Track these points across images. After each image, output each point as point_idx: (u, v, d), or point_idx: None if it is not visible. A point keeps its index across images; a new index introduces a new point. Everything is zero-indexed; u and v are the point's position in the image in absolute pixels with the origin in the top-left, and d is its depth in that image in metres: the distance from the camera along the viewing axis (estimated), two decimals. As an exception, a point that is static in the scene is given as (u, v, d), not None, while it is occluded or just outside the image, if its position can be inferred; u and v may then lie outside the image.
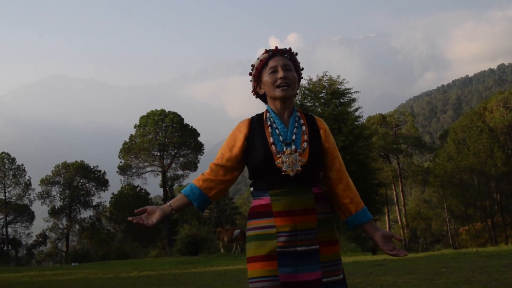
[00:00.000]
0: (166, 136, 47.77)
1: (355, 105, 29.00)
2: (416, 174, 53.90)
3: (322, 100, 28.33)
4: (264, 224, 2.60)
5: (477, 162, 47.14)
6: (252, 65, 2.86)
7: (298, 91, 2.86)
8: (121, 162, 48.84)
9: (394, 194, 55.24)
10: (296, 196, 2.60)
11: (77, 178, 51.84)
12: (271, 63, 2.75)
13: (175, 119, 48.05)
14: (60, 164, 51.95)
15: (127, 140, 48.67)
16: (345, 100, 28.60)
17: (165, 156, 48.71)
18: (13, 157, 49.78)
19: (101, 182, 52.28)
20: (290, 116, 2.76)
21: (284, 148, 2.63)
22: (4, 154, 49.34)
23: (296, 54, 2.83)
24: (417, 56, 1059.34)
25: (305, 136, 2.70)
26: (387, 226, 52.37)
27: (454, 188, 48.40)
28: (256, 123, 2.75)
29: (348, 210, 2.75)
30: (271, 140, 2.65)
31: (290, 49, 2.79)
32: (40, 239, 51.15)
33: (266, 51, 2.78)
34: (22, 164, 50.16)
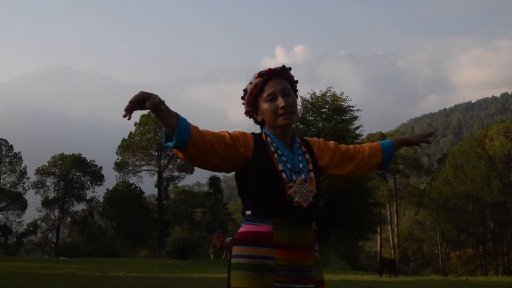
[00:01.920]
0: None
1: (357, 123, 28.95)
2: (411, 195, 53.85)
3: (324, 115, 28.25)
4: (262, 254, 2.37)
5: (473, 189, 47.11)
6: (245, 89, 2.63)
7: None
8: (118, 158, 48.74)
9: (388, 213, 55.19)
10: (299, 230, 2.43)
11: (73, 171, 51.64)
12: (268, 89, 2.53)
13: (176, 120, 47.91)
14: (57, 156, 51.74)
15: (126, 137, 48.60)
16: (347, 117, 28.53)
17: (162, 157, 48.59)
18: (11, 144, 49.53)
19: (97, 176, 52.07)
20: (292, 142, 2.60)
21: (294, 177, 2.47)
22: (1, 141, 49.11)
23: (290, 69, 2.61)
24: (422, 78, 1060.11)
25: (309, 165, 2.57)
26: (379, 245, 52.31)
27: (449, 213, 48.36)
28: (259, 144, 2.51)
29: (378, 161, 2.90)
30: (280, 167, 2.46)
31: (284, 66, 2.59)
32: (31, 228, 50.94)
33: (260, 75, 2.55)
34: (19, 152, 49.88)
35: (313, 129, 27.82)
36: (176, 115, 2.27)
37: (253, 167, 2.45)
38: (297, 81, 2.67)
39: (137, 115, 50.49)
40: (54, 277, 12.62)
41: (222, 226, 49.23)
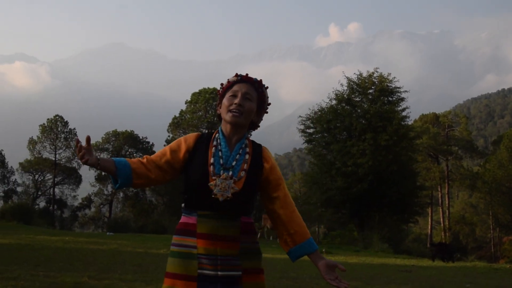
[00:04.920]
0: (215, 114, 47.91)
1: (403, 104, 28.35)
2: (464, 178, 52.71)
3: (370, 97, 27.75)
4: (187, 243, 2.61)
5: (528, 173, 45.75)
6: (221, 84, 2.87)
7: (260, 122, 2.90)
8: (169, 136, 49.34)
9: (440, 195, 54.27)
10: (223, 222, 2.61)
11: (126, 147, 52.57)
12: (235, 88, 2.77)
13: (226, 98, 48.09)
14: (111, 132, 52.79)
15: (177, 114, 49.11)
16: (394, 98, 27.94)
17: (213, 134, 48.93)
18: (66, 121, 50.90)
19: (149, 153, 52.58)
20: (237, 142, 2.76)
21: (222, 171, 2.63)
22: (58, 117, 50.53)
23: (267, 87, 2.88)
24: (480, 57, 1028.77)
25: (245, 165, 2.69)
26: (429, 227, 51.62)
27: (502, 196, 47.19)
28: (203, 140, 2.76)
29: (293, 241, 2.73)
30: (211, 160, 2.66)
31: (260, 80, 2.84)
32: (85, 203, 52.46)
33: (236, 75, 2.83)
34: (74, 128, 51.21)
35: (359, 111, 27.35)
36: (113, 161, 2.64)
37: (189, 160, 2.72)
38: (269, 104, 2.94)
39: (188, 93, 51.06)
40: (98, 252, 12.97)
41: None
